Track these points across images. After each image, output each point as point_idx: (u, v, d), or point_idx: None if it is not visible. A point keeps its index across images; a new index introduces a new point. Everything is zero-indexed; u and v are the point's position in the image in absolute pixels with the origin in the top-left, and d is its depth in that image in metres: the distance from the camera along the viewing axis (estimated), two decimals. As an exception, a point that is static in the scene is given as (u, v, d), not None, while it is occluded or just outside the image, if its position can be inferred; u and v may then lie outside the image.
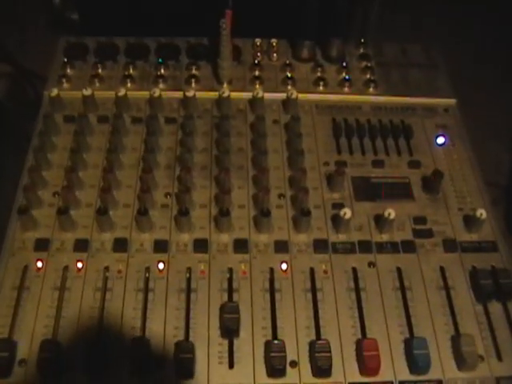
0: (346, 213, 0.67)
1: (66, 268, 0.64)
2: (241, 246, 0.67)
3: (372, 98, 0.83)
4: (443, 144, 0.79)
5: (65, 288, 0.63)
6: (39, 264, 0.64)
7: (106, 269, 0.65)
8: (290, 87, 0.82)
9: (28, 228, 0.67)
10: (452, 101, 0.84)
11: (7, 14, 1.39)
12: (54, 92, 0.77)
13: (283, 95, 0.80)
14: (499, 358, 0.62)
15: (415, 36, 1.22)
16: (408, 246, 0.69)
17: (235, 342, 0.61)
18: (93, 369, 0.57)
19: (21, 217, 0.66)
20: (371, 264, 0.67)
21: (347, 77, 0.84)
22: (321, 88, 0.83)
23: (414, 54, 0.90)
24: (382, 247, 0.69)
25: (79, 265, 0.65)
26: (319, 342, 0.60)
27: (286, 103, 0.80)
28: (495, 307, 0.65)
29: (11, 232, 0.67)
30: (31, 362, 0.58)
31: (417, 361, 0.60)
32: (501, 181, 1.34)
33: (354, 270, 0.67)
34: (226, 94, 0.78)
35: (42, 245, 0.66)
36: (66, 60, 0.84)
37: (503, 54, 1.48)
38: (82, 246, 0.66)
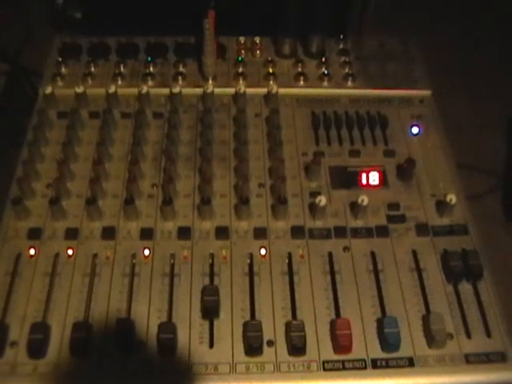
0: (321, 200, 0.67)
1: (57, 255, 0.65)
2: (222, 232, 0.67)
3: (350, 91, 0.83)
4: (418, 133, 0.79)
5: (55, 273, 0.63)
6: (32, 251, 0.65)
7: (95, 255, 0.65)
8: (271, 82, 0.82)
9: (21, 217, 0.67)
10: (427, 92, 0.84)
11: (11, 13, 1.39)
12: (49, 90, 0.78)
13: (265, 90, 0.80)
14: (468, 335, 0.62)
15: (401, 31, 1.21)
16: (382, 231, 0.69)
17: (215, 322, 0.61)
18: (79, 348, 0.58)
19: (15, 207, 0.67)
20: (346, 248, 0.67)
21: (326, 71, 0.84)
22: (301, 82, 0.83)
23: (392, 47, 0.90)
24: (356, 232, 0.68)
25: (70, 252, 0.65)
26: (294, 322, 0.60)
27: (268, 97, 0.80)
28: (465, 287, 0.65)
29: (5, 221, 0.67)
30: (22, 343, 0.58)
31: (387, 339, 0.59)
32: (498, 169, 1.34)
33: (330, 254, 0.67)
34: (210, 90, 0.78)
35: (34, 233, 0.66)
36: (60, 59, 0.84)
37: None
38: (72, 234, 0.67)
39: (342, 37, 0.89)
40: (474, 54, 1.49)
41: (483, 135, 1.38)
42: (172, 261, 0.65)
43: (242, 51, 0.86)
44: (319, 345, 0.60)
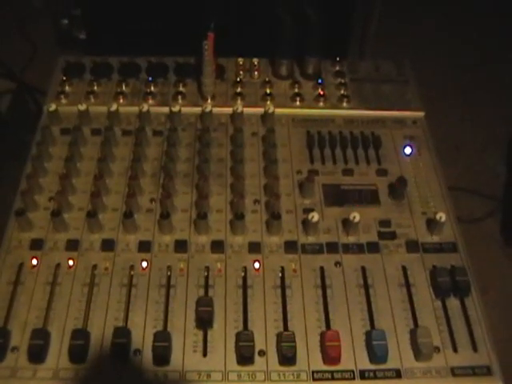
0: (314, 216, 0.72)
1: (57, 265, 0.69)
2: (217, 246, 0.72)
3: (345, 111, 0.87)
4: (410, 154, 0.83)
5: (56, 283, 0.68)
6: (34, 261, 0.69)
7: (94, 266, 0.69)
8: (268, 102, 0.87)
9: (24, 229, 0.71)
10: (420, 113, 0.88)
11: (16, 32, 1.46)
12: (53, 107, 0.83)
13: (262, 110, 0.85)
14: (455, 349, 0.65)
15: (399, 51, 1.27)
16: (373, 247, 0.73)
17: (209, 332, 0.65)
18: (77, 355, 0.62)
19: (18, 218, 0.71)
20: (337, 263, 0.71)
21: (322, 92, 0.89)
22: (297, 103, 0.88)
23: (386, 69, 0.94)
24: (348, 248, 0.72)
25: (70, 262, 0.69)
26: (285, 333, 0.64)
27: (264, 117, 0.85)
28: (452, 303, 0.68)
29: (9, 232, 0.72)
30: (23, 348, 0.62)
31: (375, 351, 0.63)
32: (497, 193, 1.38)
33: (322, 268, 0.70)
34: (208, 109, 0.83)
35: (36, 244, 0.71)
36: (64, 78, 0.89)
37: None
38: (73, 245, 0.71)
39: (337, 59, 0.94)
40: (474, 75, 1.55)
41: (483, 157, 1.43)
42: (168, 273, 0.69)
43: (241, 72, 0.91)
44: (309, 355, 0.64)
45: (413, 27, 1.67)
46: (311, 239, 0.73)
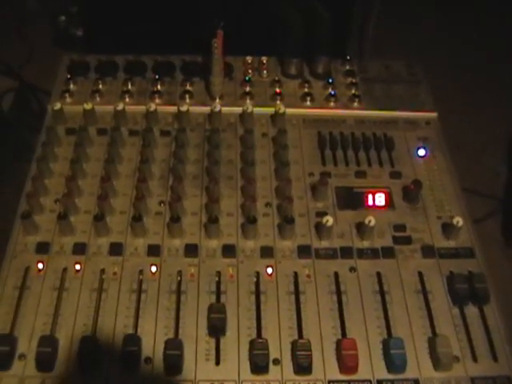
0: (328, 220, 0.70)
1: (64, 270, 0.68)
2: (229, 251, 0.70)
3: (356, 112, 0.86)
4: (424, 156, 0.82)
5: (63, 288, 0.66)
6: (40, 266, 0.68)
7: (102, 271, 0.68)
8: (278, 102, 0.86)
9: (30, 232, 0.70)
10: (433, 114, 0.87)
11: (18, 35, 1.45)
12: (57, 106, 0.81)
13: (272, 110, 0.84)
14: (474, 359, 0.64)
15: (403, 53, 1.26)
16: (388, 252, 0.72)
17: (222, 340, 0.63)
18: (86, 363, 0.61)
19: (23, 221, 0.70)
20: (352, 269, 0.70)
21: (333, 92, 0.88)
22: (308, 103, 0.87)
23: (397, 70, 0.93)
24: (362, 253, 0.71)
25: (77, 267, 0.68)
26: (300, 341, 0.63)
27: (275, 117, 0.84)
28: (471, 310, 0.67)
29: (14, 235, 0.70)
30: (30, 356, 0.61)
31: (393, 360, 0.62)
32: (497, 193, 1.37)
33: (336, 274, 0.69)
34: (217, 109, 0.82)
35: (42, 248, 0.69)
36: (69, 76, 0.88)
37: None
38: (80, 249, 0.70)
39: (348, 58, 0.93)
40: (474, 75, 1.55)
41: (483, 158, 1.42)
42: (179, 278, 0.68)
43: (249, 71, 0.90)
44: (325, 364, 0.62)
45: (413, 27, 1.67)
46: (325, 244, 0.72)
